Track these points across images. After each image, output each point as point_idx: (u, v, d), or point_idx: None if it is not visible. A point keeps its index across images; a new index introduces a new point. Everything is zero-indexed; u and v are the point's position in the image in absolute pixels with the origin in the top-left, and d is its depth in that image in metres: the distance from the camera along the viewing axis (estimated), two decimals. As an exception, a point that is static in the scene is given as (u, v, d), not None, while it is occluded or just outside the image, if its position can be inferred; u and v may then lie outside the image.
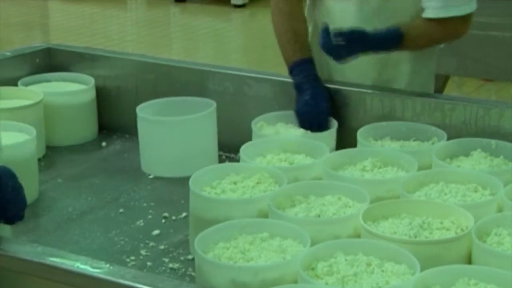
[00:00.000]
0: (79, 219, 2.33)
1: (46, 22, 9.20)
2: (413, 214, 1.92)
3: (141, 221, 2.31)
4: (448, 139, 2.33)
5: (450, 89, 5.45)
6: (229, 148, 2.68)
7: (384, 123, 2.45)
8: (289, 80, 2.60)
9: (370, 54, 2.51)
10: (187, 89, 2.79)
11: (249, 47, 7.92)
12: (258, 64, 6.60)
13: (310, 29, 2.69)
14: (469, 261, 1.81)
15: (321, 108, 2.48)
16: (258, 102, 2.68)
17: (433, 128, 2.40)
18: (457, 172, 2.14)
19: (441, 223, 1.89)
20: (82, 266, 1.65)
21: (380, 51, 2.52)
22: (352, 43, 2.42)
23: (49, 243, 2.11)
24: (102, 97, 2.94)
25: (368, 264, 1.74)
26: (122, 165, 2.70)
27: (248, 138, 2.40)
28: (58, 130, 2.84)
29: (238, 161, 2.36)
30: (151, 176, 2.60)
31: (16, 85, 2.87)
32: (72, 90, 2.91)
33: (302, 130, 2.44)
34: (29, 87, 2.88)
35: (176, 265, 2.06)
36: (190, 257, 2.09)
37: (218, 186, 2.11)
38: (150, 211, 2.37)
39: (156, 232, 2.24)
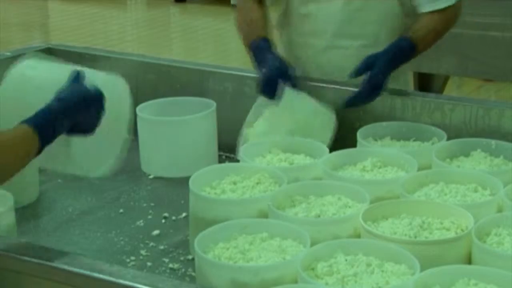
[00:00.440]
0: (79, 219, 2.33)
1: (46, 22, 9.20)
2: (413, 214, 1.92)
3: (141, 221, 2.31)
4: (448, 139, 2.33)
5: (450, 89, 5.45)
6: (229, 148, 2.68)
7: (384, 123, 2.45)
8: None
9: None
10: (187, 89, 2.80)
11: (249, 47, 7.91)
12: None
13: (280, 36, 2.74)
14: (469, 261, 1.81)
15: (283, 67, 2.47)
16: (258, 102, 2.68)
17: (433, 128, 2.40)
18: (457, 172, 2.14)
19: (441, 223, 1.89)
20: (82, 267, 1.65)
21: (403, 64, 2.54)
22: (376, 77, 2.44)
23: (49, 243, 2.11)
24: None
25: (368, 264, 1.74)
26: (122, 165, 2.69)
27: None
28: (58, 130, 2.83)
29: (238, 161, 2.36)
30: (151, 176, 2.60)
31: (16, 85, 2.87)
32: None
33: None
34: (29, 87, 2.87)
35: (176, 265, 2.06)
36: (190, 257, 2.09)
37: (218, 186, 2.11)
38: (150, 211, 2.37)
39: (156, 232, 2.24)
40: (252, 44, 2.56)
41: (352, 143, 2.36)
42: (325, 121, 2.45)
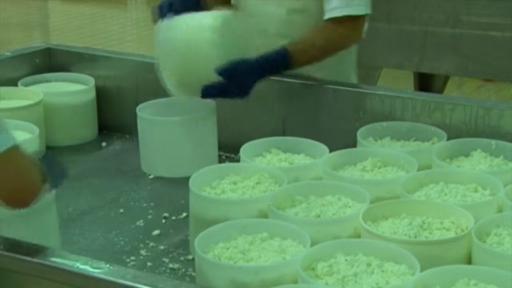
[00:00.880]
0: (79, 219, 2.33)
1: (46, 22, 9.20)
2: (413, 214, 1.92)
3: (141, 221, 2.31)
4: (448, 139, 2.33)
5: (450, 89, 5.45)
6: (229, 148, 2.68)
7: (384, 123, 2.45)
8: (289, 80, 2.60)
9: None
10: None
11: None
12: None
13: None
14: (469, 261, 1.81)
15: None
16: (258, 102, 2.68)
17: (433, 128, 2.40)
18: (457, 172, 2.14)
19: (441, 223, 1.89)
20: (82, 266, 1.65)
21: (274, 74, 2.52)
22: (238, 76, 2.39)
23: (49, 243, 2.11)
24: (102, 97, 2.94)
25: (368, 264, 1.74)
26: (122, 165, 2.70)
27: (248, 138, 2.40)
28: (58, 130, 2.84)
29: (238, 161, 2.36)
30: (151, 176, 2.60)
31: (16, 85, 2.87)
32: (72, 90, 2.91)
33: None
34: (29, 87, 2.88)
35: (176, 265, 2.06)
36: (190, 257, 2.09)
37: (218, 186, 2.11)
38: (150, 211, 2.37)
39: (156, 232, 2.24)
40: None
41: (352, 143, 2.36)
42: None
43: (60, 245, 2.05)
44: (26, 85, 2.89)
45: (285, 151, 2.33)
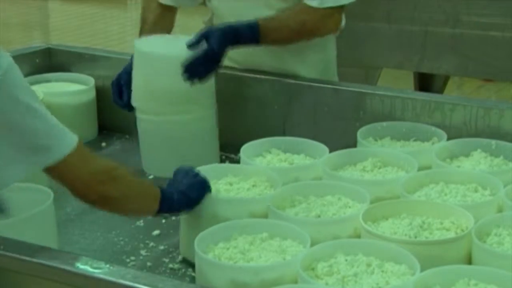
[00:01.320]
0: (79, 219, 2.33)
1: (46, 22, 9.20)
2: (413, 215, 1.92)
3: (141, 221, 2.31)
4: (448, 139, 2.33)
5: (450, 89, 5.45)
6: (229, 148, 2.67)
7: (384, 123, 2.45)
8: (289, 80, 2.60)
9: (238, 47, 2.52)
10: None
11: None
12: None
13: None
14: (469, 261, 1.81)
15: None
16: (258, 102, 2.68)
17: (433, 128, 2.40)
18: (457, 172, 2.14)
19: (441, 223, 1.89)
20: (82, 266, 1.65)
21: (242, 45, 2.53)
22: (213, 37, 2.43)
23: (49, 243, 2.11)
24: (102, 97, 2.93)
25: (368, 265, 1.74)
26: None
27: (248, 138, 2.40)
28: (58, 130, 2.83)
29: (238, 161, 2.35)
30: (151, 176, 2.60)
31: (16, 85, 2.87)
32: (72, 90, 2.91)
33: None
34: (29, 87, 2.87)
35: (176, 265, 2.06)
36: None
37: (214, 186, 2.11)
38: (150, 211, 2.37)
39: (156, 232, 2.24)
40: None
41: (352, 143, 2.36)
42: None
43: (58, 247, 2.05)
44: (26, 85, 2.88)
45: (285, 151, 2.33)
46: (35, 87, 2.88)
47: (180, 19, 2.91)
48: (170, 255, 2.12)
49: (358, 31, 2.76)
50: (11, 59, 1.68)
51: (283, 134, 2.55)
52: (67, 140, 1.74)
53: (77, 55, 3.05)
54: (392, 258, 1.75)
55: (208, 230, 1.87)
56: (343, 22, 2.62)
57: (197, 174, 2.04)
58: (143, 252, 2.14)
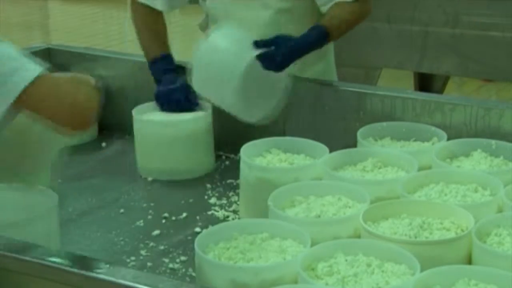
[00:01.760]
0: (79, 219, 2.33)
1: (46, 22, 9.20)
2: (413, 215, 1.92)
3: (141, 221, 2.31)
4: (448, 139, 2.33)
5: (450, 89, 5.45)
6: (229, 148, 2.68)
7: (384, 123, 2.45)
8: (289, 80, 2.60)
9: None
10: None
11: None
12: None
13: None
14: (469, 261, 1.81)
15: (178, 85, 2.60)
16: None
17: (433, 128, 2.40)
18: (457, 173, 2.14)
19: (441, 223, 1.89)
20: (82, 267, 1.65)
21: (311, 51, 2.54)
22: (281, 48, 2.42)
23: (49, 243, 2.11)
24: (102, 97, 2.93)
25: (368, 265, 1.74)
26: (122, 165, 2.70)
27: (248, 138, 2.40)
28: (58, 130, 2.83)
29: (238, 161, 2.35)
30: (150, 178, 2.60)
31: (16, 85, 2.87)
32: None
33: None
34: (29, 87, 2.87)
35: (176, 266, 2.06)
36: (190, 257, 2.08)
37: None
38: (150, 211, 2.37)
39: (156, 232, 2.24)
40: (157, 60, 2.70)
41: (352, 143, 2.36)
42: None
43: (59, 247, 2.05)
44: (26, 85, 2.88)
45: (285, 151, 2.33)
46: (35, 87, 2.88)
47: (181, 19, 2.91)
48: (170, 255, 2.12)
49: (358, 31, 2.76)
50: None
51: (283, 134, 2.55)
52: (32, 65, 1.71)
53: (77, 55, 3.05)
54: (392, 258, 1.75)
55: (208, 230, 1.87)
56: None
57: None
58: (143, 252, 2.14)
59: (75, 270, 1.65)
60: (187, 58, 2.56)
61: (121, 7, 9.52)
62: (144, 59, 2.96)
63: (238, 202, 2.37)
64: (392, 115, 2.50)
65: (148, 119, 2.60)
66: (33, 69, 1.71)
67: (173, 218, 2.33)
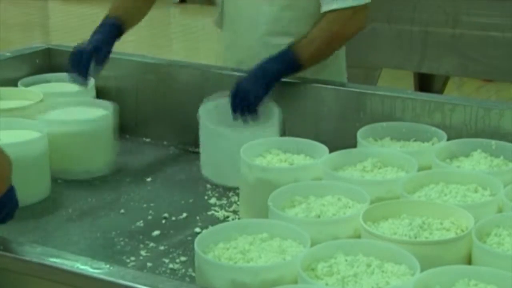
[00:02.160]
0: (79, 219, 2.33)
1: (46, 22, 9.21)
2: (413, 215, 1.92)
3: (141, 221, 2.31)
4: (448, 139, 2.33)
5: (450, 90, 5.46)
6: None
7: (384, 124, 2.45)
8: (289, 81, 2.60)
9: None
10: (187, 89, 2.79)
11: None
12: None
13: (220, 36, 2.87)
14: (469, 261, 1.81)
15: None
16: (258, 103, 2.67)
17: (433, 128, 2.40)
18: (457, 173, 2.14)
19: (441, 223, 1.89)
20: (82, 267, 1.65)
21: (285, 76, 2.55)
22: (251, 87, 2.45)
23: (49, 243, 2.11)
24: (102, 97, 2.93)
25: (368, 265, 1.74)
26: (122, 165, 2.70)
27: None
28: (58, 131, 2.83)
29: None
30: (149, 179, 2.59)
31: (16, 85, 2.87)
32: (72, 90, 2.91)
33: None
34: (29, 88, 2.87)
35: (176, 266, 2.06)
36: (190, 257, 2.08)
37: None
38: (150, 211, 2.37)
39: (156, 232, 2.24)
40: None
41: (352, 143, 2.36)
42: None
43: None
44: (26, 85, 2.89)
45: (285, 151, 2.33)
46: (35, 88, 2.89)
47: (183, 19, 2.92)
48: (170, 255, 2.12)
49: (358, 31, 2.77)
50: None
51: (283, 134, 2.55)
52: None
53: (77, 55, 3.04)
54: (392, 258, 1.75)
55: (208, 230, 1.87)
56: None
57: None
58: (143, 252, 2.14)
59: (75, 270, 1.65)
60: (187, 58, 2.56)
61: (121, 7, 9.52)
62: (144, 59, 2.97)
63: (238, 202, 2.37)
64: (392, 115, 2.50)
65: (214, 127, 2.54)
66: None
67: (173, 218, 2.33)
